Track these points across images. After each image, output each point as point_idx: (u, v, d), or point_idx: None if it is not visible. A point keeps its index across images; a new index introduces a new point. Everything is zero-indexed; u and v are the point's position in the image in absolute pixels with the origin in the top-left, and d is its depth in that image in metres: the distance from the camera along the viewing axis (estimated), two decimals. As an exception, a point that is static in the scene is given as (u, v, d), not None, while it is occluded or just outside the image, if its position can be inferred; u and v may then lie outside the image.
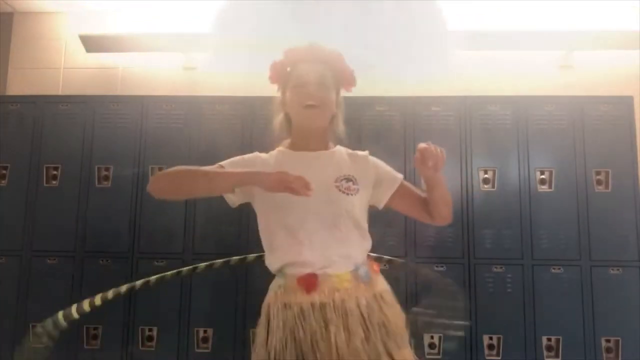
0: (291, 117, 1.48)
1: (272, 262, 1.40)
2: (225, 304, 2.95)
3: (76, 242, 3.05)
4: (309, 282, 1.31)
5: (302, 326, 1.27)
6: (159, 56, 3.63)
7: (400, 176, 1.53)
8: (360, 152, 1.53)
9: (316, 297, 1.30)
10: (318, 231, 1.34)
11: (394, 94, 3.22)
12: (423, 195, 1.50)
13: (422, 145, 1.34)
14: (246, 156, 1.49)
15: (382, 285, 1.41)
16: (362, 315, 1.30)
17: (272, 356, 1.28)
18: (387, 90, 3.33)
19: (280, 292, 1.35)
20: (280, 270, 1.38)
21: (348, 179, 1.41)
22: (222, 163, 1.45)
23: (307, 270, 1.33)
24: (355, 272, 1.35)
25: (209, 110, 3.17)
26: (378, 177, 1.49)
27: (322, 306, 1.29)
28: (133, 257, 3.02)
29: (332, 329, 1.26)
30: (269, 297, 1.38)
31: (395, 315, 1.36)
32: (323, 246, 1.34)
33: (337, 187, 1.39)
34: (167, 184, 1.38)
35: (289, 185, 1.24)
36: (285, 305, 1.32)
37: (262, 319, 1.37)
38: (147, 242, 3.03)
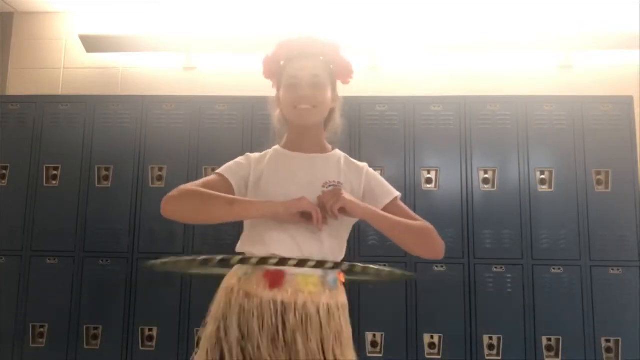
0: (285, 115, 1.47)
1: (247, 250, 1.39)
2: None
3: (76, 242, 3.05)
4: (275, 279, 1.30)
5: (258, 319, 1.27)
6: (159, 56, 3.63)
7: (395, 193, 1.44)
8: (359, 163, 1.49)
9: (278, 295, 1.29)
10: (297, 232, 1.33)
11: (394, 94, 3.22)
12: (422, 223, 1.40)
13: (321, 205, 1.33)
14: (240, 160, 1.47)
15: (343, 296, 1.39)
16: (320, 322, 1.29)
17: (219, 337, 1.29)
18: (387, 90, 3.33)
19: (244, 279, 1.33)
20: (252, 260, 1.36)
21: (336, 186, 1.38)
22: (218, 171, 1.43)
23: (277, 267, 1.31)
24: (323, 277, 1.34)
25: (209, 110, 3.17)
26: (369, 190, 1.43)
27: (283, 305, 1.28)
28: (133, 257, 3.02)
29: (297, 334, 1.25)
30: (232, 281, 1.36)
31: (348, 328, 1.36)
32: (299, 247, 1.33)
33: (323, 192, 1.36)
34: (183, 207, 1.35)
35: (307, 209, 1.29)
36: (246, 295, 1.31)
37: (222, 300, 1.35)
38: (147, 242, 3.03)
